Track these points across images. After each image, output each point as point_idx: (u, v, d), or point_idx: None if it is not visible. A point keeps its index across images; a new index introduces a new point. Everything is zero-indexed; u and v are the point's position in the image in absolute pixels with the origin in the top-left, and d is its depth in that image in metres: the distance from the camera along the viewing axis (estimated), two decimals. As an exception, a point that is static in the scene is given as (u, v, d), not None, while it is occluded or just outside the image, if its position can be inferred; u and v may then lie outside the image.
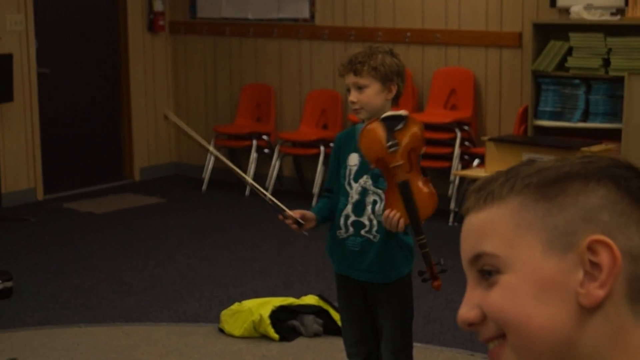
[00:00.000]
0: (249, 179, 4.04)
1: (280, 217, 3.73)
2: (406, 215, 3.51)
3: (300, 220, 3.67)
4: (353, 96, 3.64)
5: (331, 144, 8.24)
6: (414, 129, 3.64)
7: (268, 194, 3.80)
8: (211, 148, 4.29)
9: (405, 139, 3.59)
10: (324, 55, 8.60)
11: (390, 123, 3.60)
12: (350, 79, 3.65)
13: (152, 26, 9.37)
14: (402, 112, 3.67)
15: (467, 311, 1.20)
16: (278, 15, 8.86)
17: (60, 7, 8.82)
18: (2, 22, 8.22)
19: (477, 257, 1.18)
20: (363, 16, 8.33)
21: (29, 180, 8.62)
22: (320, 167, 8.19)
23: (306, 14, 8.68)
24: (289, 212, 3.69)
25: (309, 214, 3.73)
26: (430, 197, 3.60)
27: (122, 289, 6.12)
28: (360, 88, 3.63)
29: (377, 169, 3.60)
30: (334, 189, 3.79)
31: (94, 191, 9.03)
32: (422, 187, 3.59)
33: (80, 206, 8.47)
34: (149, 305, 5.82)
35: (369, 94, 3.63)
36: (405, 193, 3.52)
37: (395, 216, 3.49)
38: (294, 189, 8.67)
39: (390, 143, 3.56)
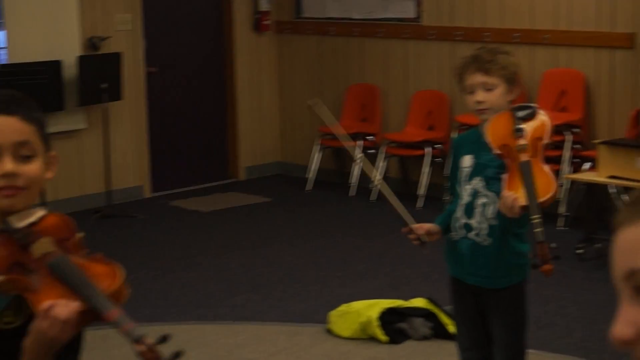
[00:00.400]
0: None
1: (405, 230, 3.68)
2: (524, 196, 3.41)
3: (423, 238, 3.63)
4: (480, 96, 3.57)
5: (437, 146, 8.20)
6: (543, 119, 3.59)
7: (399, 203, 3.71)
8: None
9: (532, 127, 3.54)
10: (430, 55, 8.53)
11: (520, 112, 3.56)
12: (478, 78, 3.58)
13: (258, 26, 9.43)
14: (532, 104, 3.64)
15: (622, 329, 1.15)
16: (384, 15, 8.82)
17: (168, 7, 8.93)
18: (111, 22, 8.36)
19: (632, 273, 1.14)
20: (470, 16, 8.24)
21: (137, 178, 8.74)
22: (426, 169, 8.13)
23: (412, 14, 8.62)
24: (415, 227, 3.64)
25: (434, 227, 3.67)
26: (550, 181, 3.51)
27: (229, 288, 6.15)
28: (488, 88, 3.57)
29: (498, 156, 3.53)
30: (454, 192, 3.74)
31: (200, 189, 9.12)
32: (543, 170, 3.51)
33: (186, 204, 8.56)
34: (257, 304, 5.84)
35: (497, 94, 3.57)
36: (526, 172, 3.44)
37: (512, 196, 3.41)
38: (399, 190, 8.59)
39: (517, 127, 3.50)
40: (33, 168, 2.06)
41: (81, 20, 8.08)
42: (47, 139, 2.13)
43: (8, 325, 2.04)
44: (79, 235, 2.12)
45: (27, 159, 2.05)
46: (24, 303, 2.03)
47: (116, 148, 8.42)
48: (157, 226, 7.81)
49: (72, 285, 1.98)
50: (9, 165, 2.03)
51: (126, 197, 8.54)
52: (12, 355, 2.02)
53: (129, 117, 8.57)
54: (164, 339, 1.89)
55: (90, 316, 1.96)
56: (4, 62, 7.68)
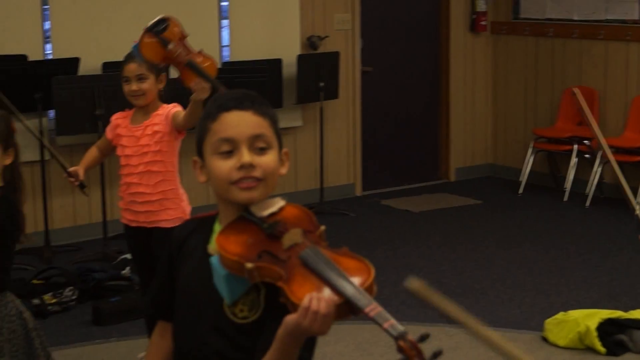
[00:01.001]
0: None
1: None
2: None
3: None
4: None
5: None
6: None
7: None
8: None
9: None
10: (654, 58, 8.24)
11: None
12: None
13: (474, 26, 9.35)
14: None
15: None
16: (605, 16, 8.57)
17: (385, 7, 8.97)
18: (330, 21, 8.48)
19: None
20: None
21: (349, 176, 8.84)
22: (646, 176, 7.86)
23: (636, 15, 8.33)
24: None
25: None
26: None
27: (442, 290, 6.05)
28: None
29: None
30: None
31: (410, 189, 9.13)
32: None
33: (397, 204, 8.58)
34: (469, 308, 5.74)
35: None
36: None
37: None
38: (614, 197, 8.36)
39: None
40: (268, 159, 2.11)
41: (301, 20, 8.23)
42: (279, 134, 2.17)
43: (243, 320, 2.07)
44: (322, 228, 2.12)
45: (262, 151, 2.11)
46: (259, 299, 2.05)
47: (330, 146, 8.53)
48: (369, 224, 7.87)
49: (326, 278, 1.95)
50: (246, 156, 2.08)
51: (337, 195, 8.65)
52: (246, 349, 2.06)
53: (344, 115, 8.68)
54: (424, 338, 1.87)
55: (346, 310, 1.93)
56: (226, 59, 7.90)
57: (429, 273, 6.46)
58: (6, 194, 3.11)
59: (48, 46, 7.10)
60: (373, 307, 1.89)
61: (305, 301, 1.91)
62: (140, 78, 4.41)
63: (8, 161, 3.10)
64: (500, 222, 7.86)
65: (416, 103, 9.33)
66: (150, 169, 4.44)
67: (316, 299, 1.91)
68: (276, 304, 2.02)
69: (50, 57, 7.07)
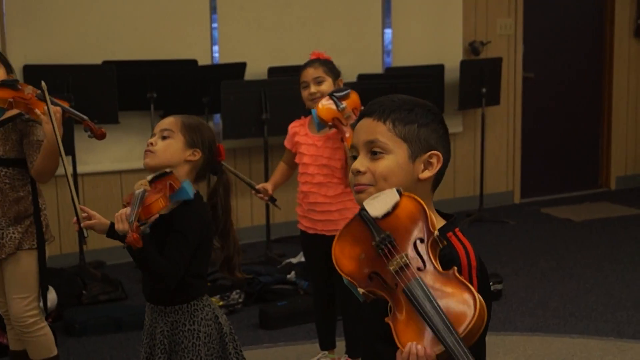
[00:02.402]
0: None
1: None
2: None
3: None
4: None
5: None
6: None
7: None
8: None
9: None
10: None
11: None
12: None
13: (639, 31, 9.10)
14: None
15: None
16: None
17: (548, 12, 8.82)
18: (493, 26, 8.38)
19: None
20: None
21: (508, 183, 8.72)
22: None
23: None
24: None
25: None
26: None
27: (611, 302, 5.96)
28: None
29: None
30: None
31: (569, 197, 8.96)
32: None
33: (557, 212, 8.42)
34: (640, 322, 5.63)
35: None
36: None
37: None
38: None
39: None
40: (382, 165, 2.15)
41: (464, 25, 8.16)
42: (409, 137, 2.15)
43: None
44: (435, 234, 2.03)
45: (375, 155, 2.16)
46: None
47: (489, 152, 8.44)
48: (529, 233, 7.74)
49: (429, 323, 1.90)
50: (355, 163, 2.18)
51: (496, 202, 8.55)
52: None
53: (504, 122, 8.57)
54: None
55: (444, 357, 1.89)
56: (388, 65, 7.90)
57: (596, 285, 6.30)
58: (202, 200, 3.17)
59: (215, 49, 7.22)
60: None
61: (406, 348, 1.90)
62: (319, 81, 4.44)
63: (191, 157, 3.16)
64: (667, 234, 7.63)
65: (577, 110, 9.14)
66: (330, 181, 4.44)
67: (415, 348, 1.90)
68: None
69: (217, 61, 7.20)
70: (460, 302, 1.92)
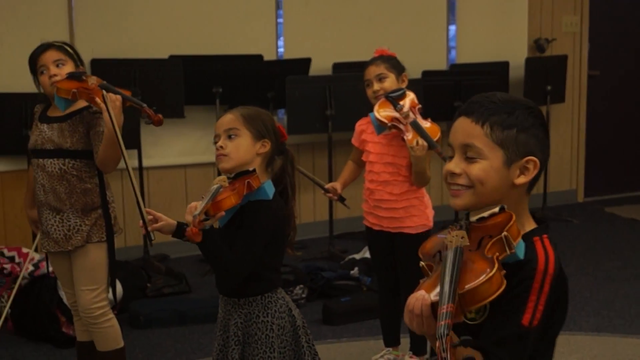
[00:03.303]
0: None
1: None
2: None
3: None
4: None
5: None
6: None
7: None
8: None
9: None
10: None
11: None
12: None
13: None
14: None
15: None
16: None
17: (614, 10, 8.72)
18: (558, 24, 8.31)
19: None
20: None
21: (571, 181, 8.65)
22: None
23: None
24: None
25: None
26: None
27: (681, 305, 5.89)
28: None
29: None
30: None
31: (634, 197, 8.85)
32: None
33: (621, 211, 8.33)
34: None
35: None
36: None
37: None
38: None
39: None
40: (476, 169, 2.11)
41: (529, 22, 8.10)
42: (505, 142, 2.11)
43: (471, 321, 2.09)
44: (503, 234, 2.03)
45: (470, 160, 2.13)
46: (486, 305, 2.05)
47: (553, 150, 8.36)
48: (594, 233, 7.66)
49: (441, 276, 1.98)
50: (450, 164, 2.15)
51: (559, 201, 8.47)
52: None
53: (568, 119, 8.50)
54: None
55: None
56: (453, 61, 7.87)
57: (663, 286, 6.23)
58: (279, 196, 3.17)
59: (280, 45, 7.25)
60: (445, 308, 1.89)
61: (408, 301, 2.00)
62: (381, 78, 4.43)
63: (262, 150, 3.16)
64: None
65: (643, 108, 9.04)
66: (395, 179, 4.44)
67: (419, 294, 1.98)
68: (499, 309, 2.04)
69: (282, 56, 7.22)
70: (478, 270, 1.96)
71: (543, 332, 2.08)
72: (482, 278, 1.92)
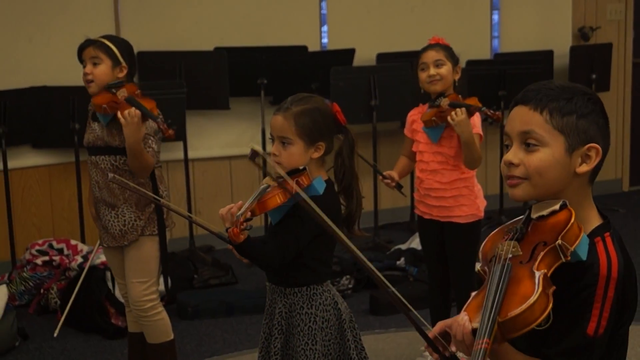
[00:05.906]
0: None
1: None
2: None
3: None
4: None
5: None
6: None
7: None
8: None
9: None
10: None
11: None
12: None
13: None
14: None
15: None
16: None
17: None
18: (603, 11, 8.24)
19: None
20: None
21: (617, 170, 8.58)
22: None
23: None
24: None
25: None
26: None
27: None
28: None
29: None
30: None
31: (679, 186, 8.78)
32: None
33: (668, 201, 8.27)
34: None
35: None
36: None
37: None
38: None
39: None
40: (535, 158, 2.06)
41: (573, 10, 8.04)
42: (566, 129, 2.05)
43: (538, 327, 1.99)
44: (558, 242, 1.98)
45: (529, 147, 2.07)
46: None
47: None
48: (639, 221, 7.60)
49: (485, 301, 1.95)
50: (509, 154, 2.10)
51: (604, 190, 8.41)
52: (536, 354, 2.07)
53: (613, 108, 8.42)
54: None
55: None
56: (496, 49, 7.82)
57: None
58: (332, 189, 3.16)
59: (324, 35, 7.25)
60: (479, 344, 1.87)
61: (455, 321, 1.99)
62: (439, 64, 4.41)
63: (317, 154, 3.14)
64: None
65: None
66: (444, 168, 4.43)
67: (463, 318, 1.97)
68: (564, 316, 1.99)
69: (326, 47, 7.21)
70: (522, 294, 1.91)
71: (612, 333, 2.03)
72: (524, 306, 1.88)
